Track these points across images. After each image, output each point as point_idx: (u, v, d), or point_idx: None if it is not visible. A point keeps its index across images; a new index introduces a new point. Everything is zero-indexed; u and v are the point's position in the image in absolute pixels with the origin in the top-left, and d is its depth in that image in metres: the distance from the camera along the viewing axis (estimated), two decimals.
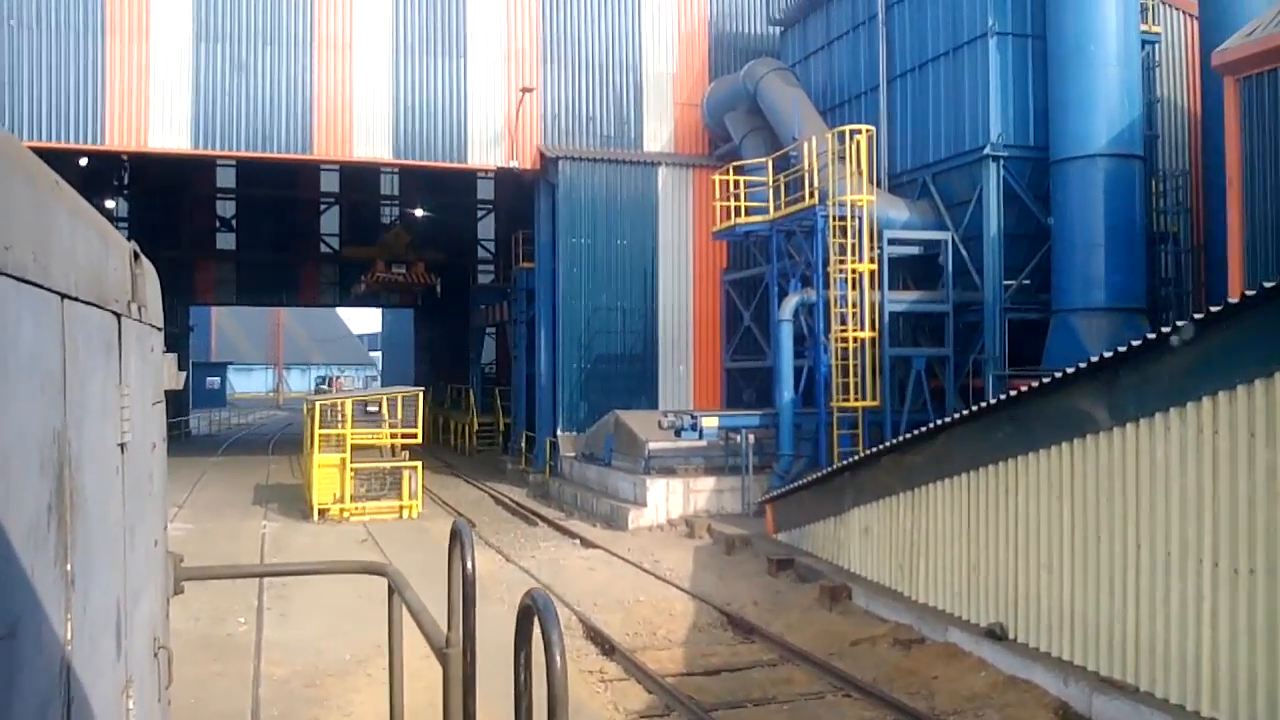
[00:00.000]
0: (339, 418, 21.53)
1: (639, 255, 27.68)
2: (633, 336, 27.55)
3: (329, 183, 50.69)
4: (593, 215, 27.41)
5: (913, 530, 12.60)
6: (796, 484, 16.28)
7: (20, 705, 1.50)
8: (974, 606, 11.29)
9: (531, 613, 2.28)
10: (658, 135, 28.93)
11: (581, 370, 27.13)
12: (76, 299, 1.84)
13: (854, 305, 19.80)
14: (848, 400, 19.53)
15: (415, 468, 21.76)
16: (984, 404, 10.99)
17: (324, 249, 51.02)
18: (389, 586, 4.06)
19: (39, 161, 1.75)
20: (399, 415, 21.99)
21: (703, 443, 20.95)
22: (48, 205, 1.72)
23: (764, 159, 23.14)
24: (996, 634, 10.63)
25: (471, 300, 42.13)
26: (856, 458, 14.04)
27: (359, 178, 49.72)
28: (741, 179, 23.43)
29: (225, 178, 49.55)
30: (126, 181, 46.43)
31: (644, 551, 18.11)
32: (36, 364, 1.61)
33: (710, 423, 20.00)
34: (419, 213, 46.46)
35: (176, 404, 46.95)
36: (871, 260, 19.75)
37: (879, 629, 12.41)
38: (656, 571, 16.33)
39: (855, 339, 19.56)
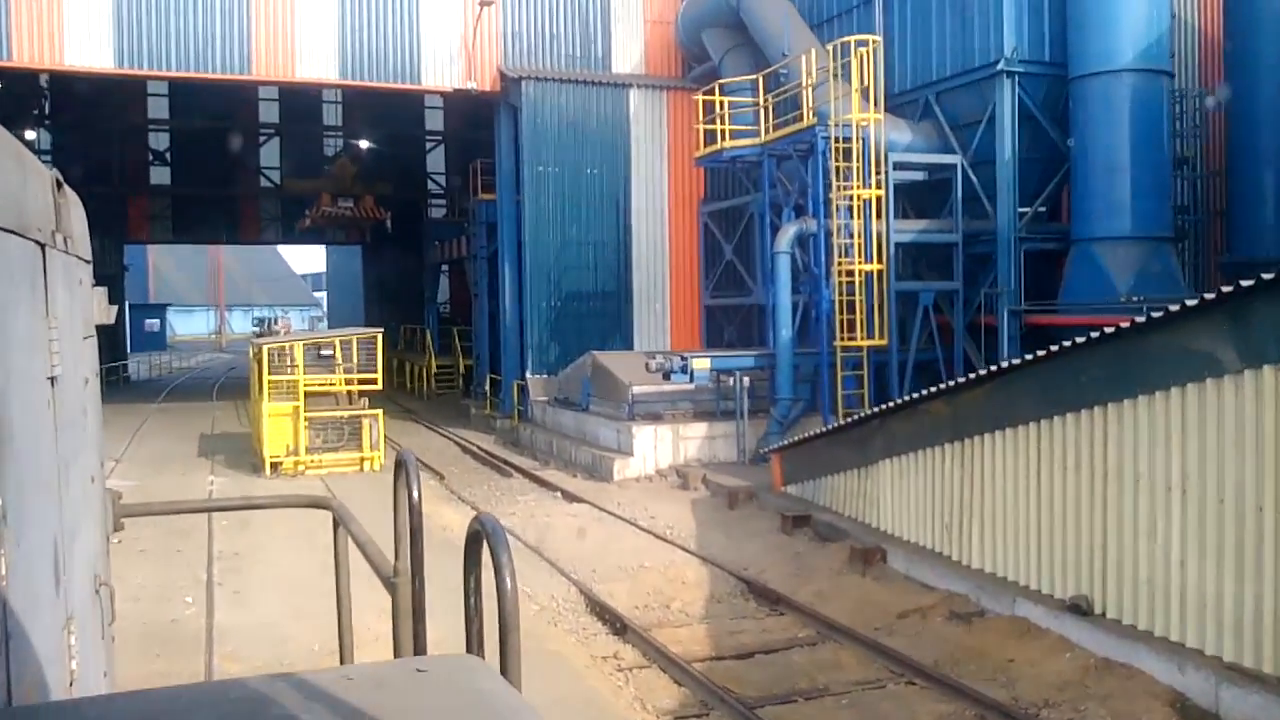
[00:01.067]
0: (289, 363, 19.55)
1: (611, 185, 25.74)
2: (605, 273, 25.69)
3: (268, 113, 47.80)
4: (559, 142, 25.36)
5: (962, 486, 11.06)
6: (812, 434, 14.69)
7: None
8: (1047, 575, 9.80)
9: (480, 536, 2.18)
10: (627, 55, 26.82)
11: (551, 309, 25.26)
12: None
13: (857, 236, 18.13)
14: (854, 339, 17.93)
15: (376, 416, 19.91)
16: (1065, 344, 9.39)
17: (264, 183, 48.32)
18: (333, 520, 3.87)
19: None
20: (354, 359, 20.07)
21: (691, 386, 19.28)
22: None
23: (752, 76, 21.22)
24: (1082, 608, 9.15)
25: (425, 235, 39.83)
26: (890, 404, 12.43)
27: (300, 107, 46.93)
28: (725, 99, 21.52)
29: (157, 107, 46.49)
30: (48, 110, 43.32)
31: (635, 505, 16.49)
32: None
33: (702, 364, 18.32)
34: (364, 144, 43.89)
35: (113, 347, 44.37)
36: (878, 186, 18.04)
37: (927, 599, 10.91)
38: (655, 530, 14.72)
39: (861, 272, 17.91)
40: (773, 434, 18.50)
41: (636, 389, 19.65)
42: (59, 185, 2.50)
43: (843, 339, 17.94)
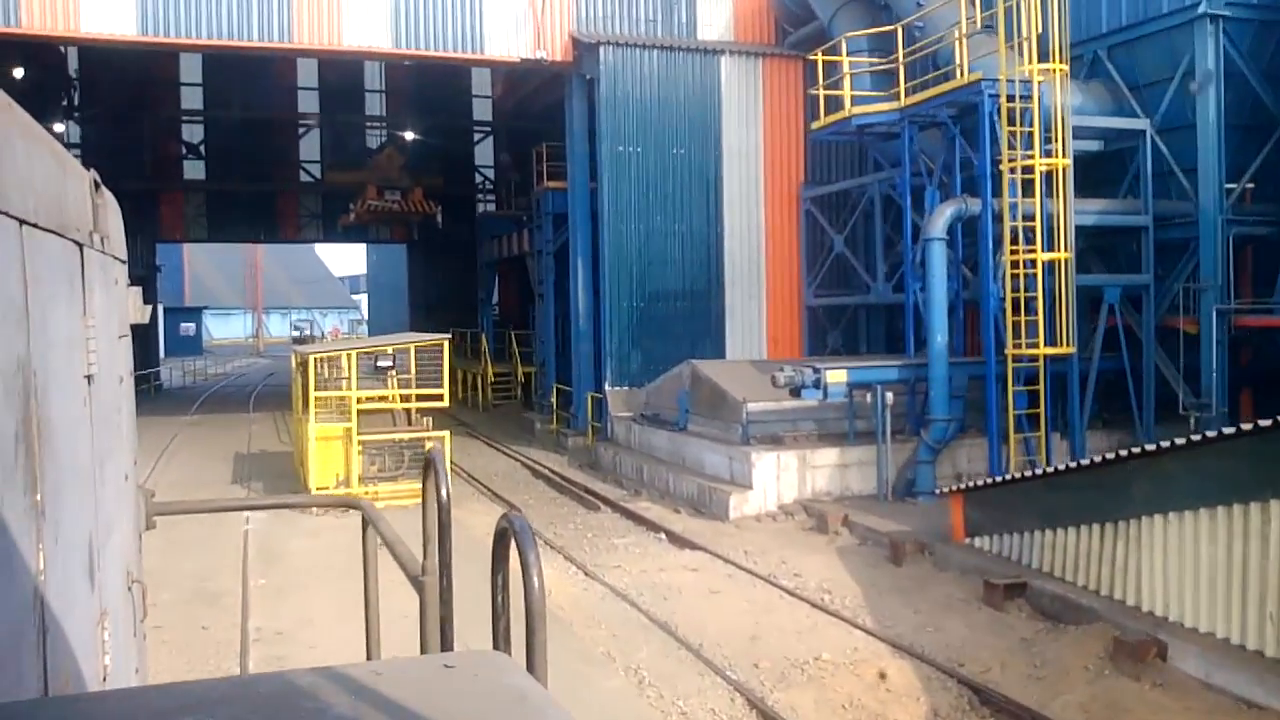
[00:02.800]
0: (339, 375, 16.43)
1: (699, 167, 22.45)
2: (694, 268, 22.42)
3: (308, 102, 45.09)
4: (641, 117, 22.11)
5: None
6: (1022, 473, 11.33)
7: None
8: None
9: (508, 534, 2.13)
10: (713, 20, 23.50)
11: (633, 310, 22.01)
12: (36, 225, 1.79)
13: (1030, 219, 14.72)
14: (1032, 345, 14.51)
15: (441, 438, 16.72)
16: None
17: (304, 178, 45.46)
18: (363, 519, 3.76)
19: None
20: (411, 370, 16.90)
21: (814, 403, 15.97)
22: (1, 129, 1.65)
23: (886, 28, 17.80)
24: None
25: (479, 231, 36.61)
26: (1169, 443, 9.03)
27: (341, 96, 44.15)
28: (849, 59, 18.14)
29: (190, 97, 43.97)
30: (77, 102, 40.73)
31: (768, 555, 13.21)
32: None
33: (837, 377, 14.99)
34: (409, 136, 40.88)
35: (145, 353, 41.59)
36: (1061, 154, 14.61)
37: None
38: (809, 595, 11.41)
39: (1040, 262, 14.50)
40: (923, 462, 15.17)
41: (752, 406, 16.35)
42: (96, 186, 2.53)
43: (1024, 345, 14.52)
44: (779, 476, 15.58)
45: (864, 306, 22.28)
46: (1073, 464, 10.40)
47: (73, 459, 2.09)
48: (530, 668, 1.93)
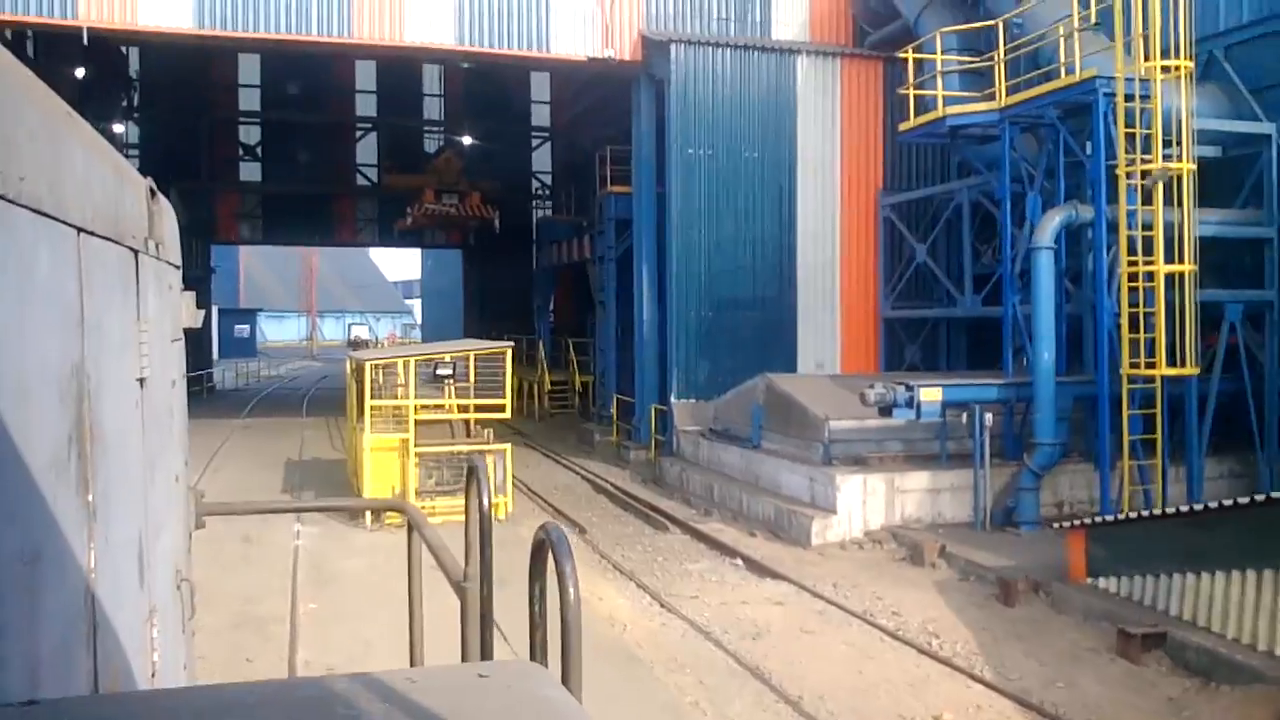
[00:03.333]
0: (397, 383, 15.60)
1: (772, 171, 21.41)
2: (765, 277, 21.36)
3: (365, 106, 44.70)
4: (713, 119, 21.12)
5: None
6: (1158, 510, 10.15)
7: (47, 628, 1.54)
8: None
9: (545, 546, 2.14)
10: (789, 19, 22.47)
11: (701, 320, 21.00)
12: (93, 234, 1.85)
13: (1149, 228, 13.51)
14: (1151, 364, 13.29)
15: (503, 451, 15.82)
16: None
17: (361, 181, 45.03)
18: (407, 524, 3.84)
19: (50, 92, 1.73)
20: (471, 378, 16.02)
21: (900, 422, 14.87)
22: (61, 138, 1.71)
23: (984, 23, 16.67)
24: None
25: (539, 236, 35.75)
26: None
27: (399, 100, 43.74)
28: (939, 57, 17.01)
29: (248, 99, 43.72)
30: (136, 103, 40.60)
31: (861, 589, 12.13)
32: (54, 296, 1.63)
33: (931, 396, 13.86)
34: (467, 140, 40.21)
35: (198, 355, 41.29)
36: (1185, 159, 13.39)
37: None
38: (913, 638, 10.31)
39: (1160, 275, 13.27)
40: (1025, 489, 14.00)
41: (835, 425, 15.27)
42: (152, 193, 2.58)
43: (1142, 365, 13.29)
44: (865, 501, 14.47)
45: (946, 320, 21.09)
46: (1229, 502, 9.20)
47: (124, 460, 2.14)
48: (565, 679, 1.93)
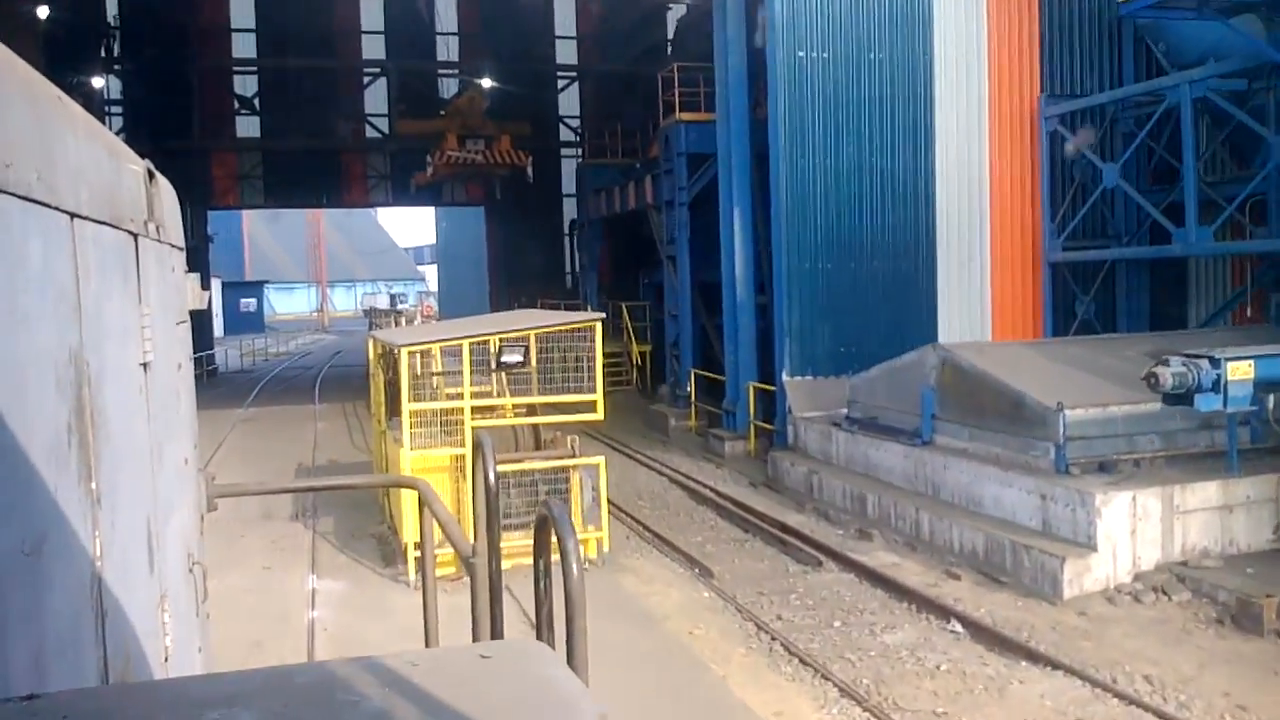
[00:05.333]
0: (445, 375, 11.14)
1: (904, 77, 16.68)
2: (897, 215, 16.71)
3: (372, 48, 40.05)
4: (828, 11, 16.36)
5: None
6: None
7: (52, 618, 1.55)
8: None
9: (548, 523, 2.14)
10: None
11: (819, 274, 16.38)
12: (88, 218, 1.84)
13: None
14: None
15: (595, 467, 11.31)
16: None
17: (371, 134, 40.34)
18: (418, 499, 3.84)
19: (40, 76, 1.72)
20: (534, 364, 11.46)
21: (1152, 408, 10.32)
22: (50, 122, 1.70)
23: None
24: None
25: (580, 185, 30.93)
26: None
27: (409, 40, 39.10)
28: None
29: (243, 45, 39.10)
30: (117, 53, 35.96)
31: (1185, 682, 7.63)
32: (48, 284, 1.62)
33: (1241, 372, 9.26)
34: (486, 83, 35.34)
35: (200, 335, 36.61)
36: None
37: None
38: None
39: None
40: None
41: (1072, 415, 10.65)
42: (151, 175, 2.54)
43: None
44: (1135, 529, 9.90)
45: (1128, 264, 16.46)
46: None
47: (129, 445, 2.12)
48: (570, 658, 1.92)
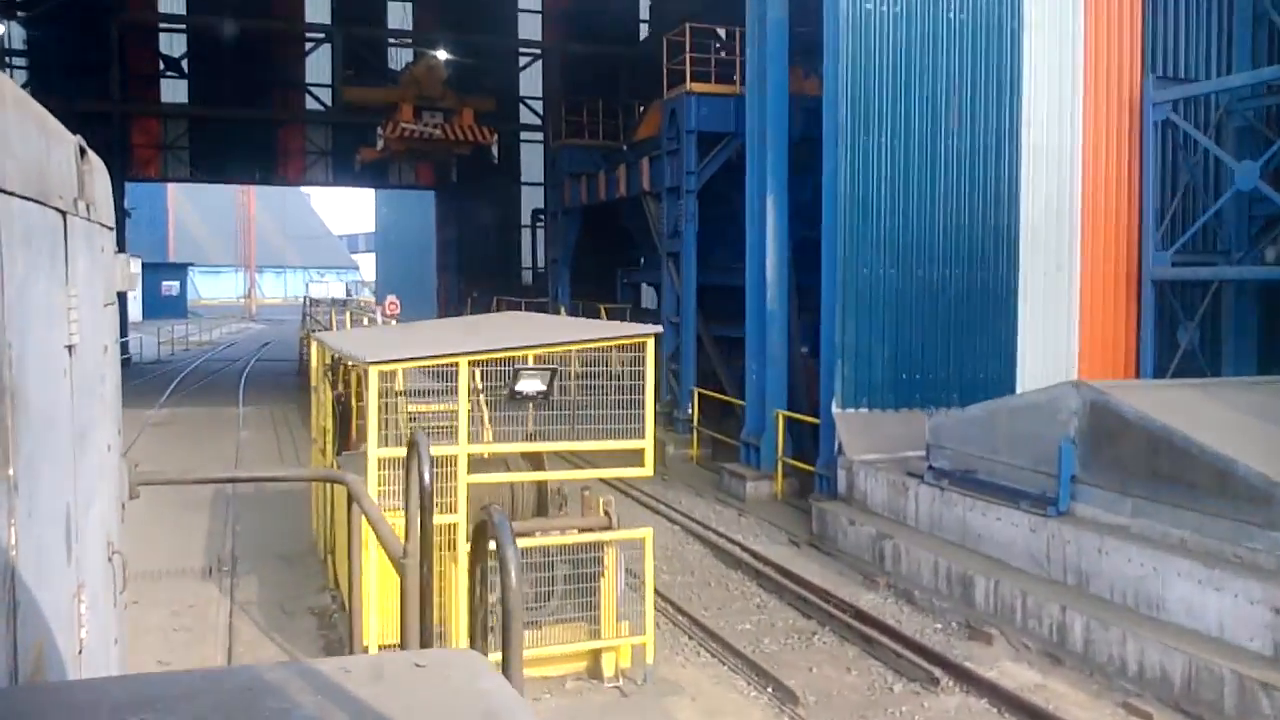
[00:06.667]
0: (438, 412, 7.79)
1: (985, 38, 13.58)
2: (972, 212, 13.61)
3: (316, 10, 36.27)
4: None
5: None
6: None
7: None
8: None
9: (486, 528, 2.17)
10: None
11: (880, 281, 13.20)
12: (13, 194, 1.78)
13: None
14: None
15: (643, 540, 8.01)
16: None
17: (311, 105, 36.55)
18: (348, 496, 3.75)
19: None
20: (555, 391, 8.05)
21: None
22: None
23: None
24: None
25: (554, 168, 27.37)
26: None
27: (357, 4, 35.31)
28: None
29: (171, 0, 35.10)
30: None
31: None
32: None
33: None
34: (442, 55, 31.69)
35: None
36: None
37: None
38: None
39: None
40: None
41: None
42: (83, 152, 2.47)
43: None
44: None
45: (1236, 287, 13.61)
46: None
47: (51, 431, 2.06)
48: (505, 664, 1.86)
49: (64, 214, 2.17)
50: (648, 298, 27.71)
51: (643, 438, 7.82)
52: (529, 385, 7.45)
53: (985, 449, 10.67)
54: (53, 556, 2.05)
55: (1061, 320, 13.95)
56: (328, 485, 10.38)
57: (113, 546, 2.86)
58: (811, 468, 14.09)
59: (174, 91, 35.85)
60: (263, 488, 15.21)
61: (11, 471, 1.72)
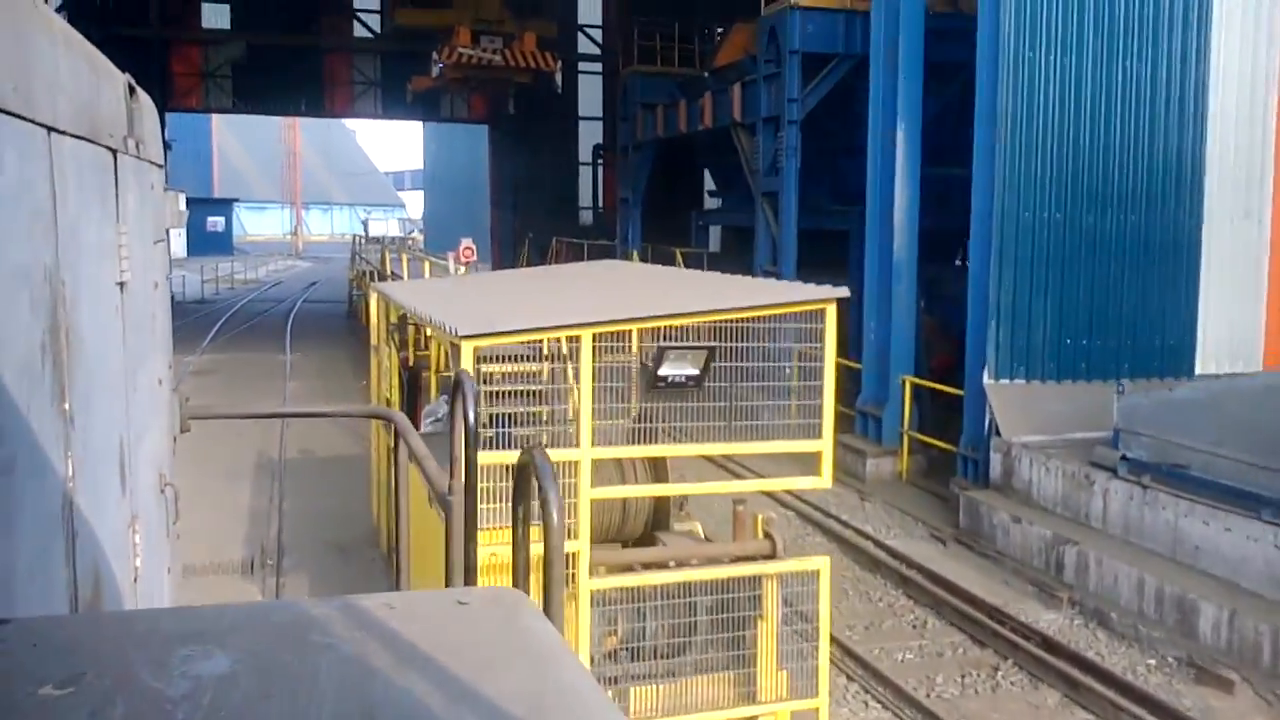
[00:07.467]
0: (538, 403, 5.89)
1: None
2: (1154, 148, 11.41)
3: None
4: None
5: None
6: None
7: (22, 538, 1.50)
8: None
9: (529, 470, 2.07)
10: None
11: (1045, 226, 11.08)
12: (65, 133, 1.77)
13: None
14: None
15: (817, 573, 6.06)
16: None
17: (359, 32, 34.53)
18: (394, 432, 3.67)
19: None
20: (701, 372, 6.06)
21: None
22: (27, 31, 1.60)
23: None
24: None
25: (625, 98, 25.10)
26: None
27: None
28: None
29: None
30: None
31: None
32: (22, 199, 1.56)
33: None
34: None
35: None
36: None
37: None
38: None
39: None
40: None
41: None
42: (131, 90, 2.45)
43: None
44: None
45: None
46: None
47: (103, 366, 2.08)
48: (546, 605, 1.89)
49: (114, 152, 2.19)
50: (713, 241, 25.62)
51: (818, 436, 5.86)
52: (676, 369, 5.50)
53: (1202, 439, 8.60)
54: (108, 489, 2.08)
55: (1249, 274, 11.78)
56: (390, 463, 8.65)
57: (165, 479, 2.92)
58: (942, 444, 12.13)
59: (215, 16, 34.03)
60: (314, 453, 13.50)
61: (67, 406, 1.73)
